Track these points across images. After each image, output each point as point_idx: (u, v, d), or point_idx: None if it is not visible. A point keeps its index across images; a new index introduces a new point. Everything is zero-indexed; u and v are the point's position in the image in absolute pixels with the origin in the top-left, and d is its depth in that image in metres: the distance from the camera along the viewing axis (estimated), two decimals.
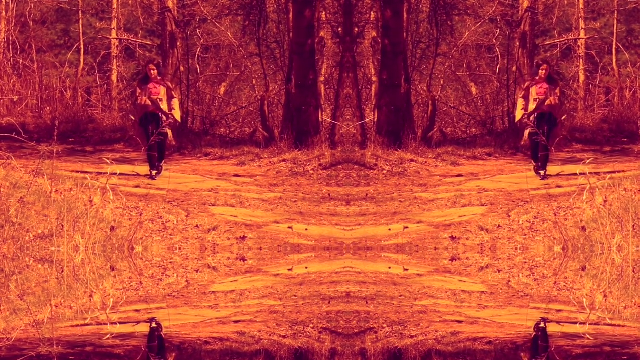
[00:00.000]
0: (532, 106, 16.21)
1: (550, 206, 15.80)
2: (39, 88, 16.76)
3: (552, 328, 13.62)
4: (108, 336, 13.36)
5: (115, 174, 15.82)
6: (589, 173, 15.78)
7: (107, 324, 13.72)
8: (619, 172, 15.84)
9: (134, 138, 16.36)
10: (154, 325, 13.83)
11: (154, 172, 16.21)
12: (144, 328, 13.73)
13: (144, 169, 16.30)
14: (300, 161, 16.50)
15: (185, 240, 15.67)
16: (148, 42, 17.06)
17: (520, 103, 16.34)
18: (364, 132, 16.68)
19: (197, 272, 15.34)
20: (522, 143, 16.57)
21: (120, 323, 13.79)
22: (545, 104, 16.16)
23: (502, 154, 16.72)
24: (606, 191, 15.59)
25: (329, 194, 16.13)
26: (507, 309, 14.37)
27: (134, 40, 17.01)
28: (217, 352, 13.08)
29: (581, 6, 16.95)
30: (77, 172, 15.76)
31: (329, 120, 16.69)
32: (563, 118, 16.45)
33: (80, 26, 17.04)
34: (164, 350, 13.03)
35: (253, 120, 17.03)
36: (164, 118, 16.10)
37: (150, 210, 15.81)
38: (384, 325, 13.93)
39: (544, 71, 16.21)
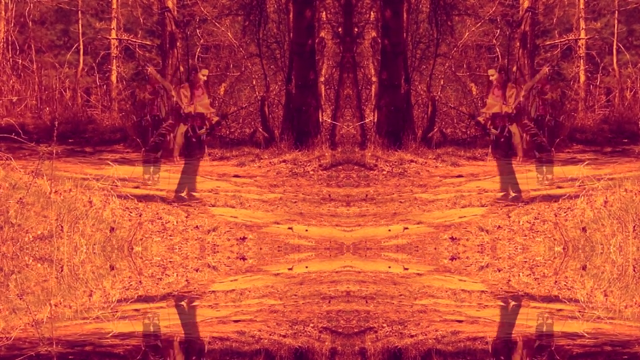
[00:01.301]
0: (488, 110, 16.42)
1: (550, 207, 15.78)
2: (38, 88, 16.72)
3: (552, 327, 13.61)
4: (110, 334, 13.35)
5: (123, 179, 15.82)
6: (586, 176, 15.77)
7: (107, 322, 13.71)
8: (619, 174, 15.83)
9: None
10: (153, 324, 13.81)
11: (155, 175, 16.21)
12: (144, 327, 13.72)
13: (140, 170, 16.26)
14: (301, 162, 16.48)
15: (185, 241, 15.65)
16: (148, 42, 17.04)
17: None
18: (364, 133, 16.66)
19: (197, 271, 15.32)
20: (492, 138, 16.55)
21: (120, 320, 13.77)
22: (494, 111, 16.35)
23: (502, 155, 16.69)
24: (606, 192, 15.57)
25: (329, 195, 16.11)
26: (507, 308, 14.36)
27: (134, 40, 16.98)
28: (217, 351, 13.06)
29: (581, 6, 16.93)
30: (78, 175, 15.74)
31: (329, 120, 16.67)
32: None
33: (80, 26, 17.01)
34: (163, 350, 13.01)
35: (253, 121, 16.99)
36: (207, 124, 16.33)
37: (149, 210, 15.79)
38: (384, 325, 13.92)
39: (493, 77, 16.39)
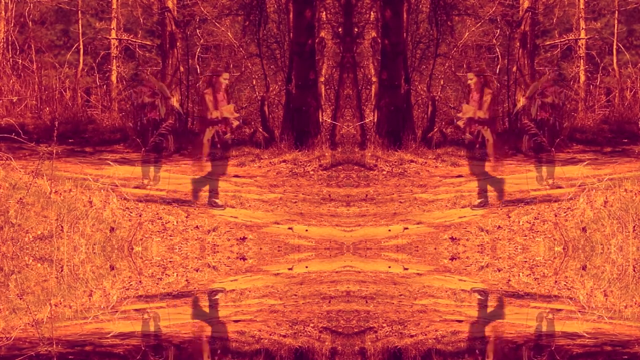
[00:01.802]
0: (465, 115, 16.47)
1: (550, 207, 15.78)
2: (38, 88, 16.72)
3: (552, 327, 13.62)
4: (111, 334, 13.35)
5: (124, 179, 15.82)
6: (586, 176, 15.77)
7: (107, 322, 13.71)
8: (619, 174, 15.83)
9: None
10: (153, 324, 13.82)
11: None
12: (144, 327, 13.72)
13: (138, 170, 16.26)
14: (301, 162, 16.48)
15: (185, 241, 15.64)
16: (148, 42, 17.04)
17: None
18: (364, 133, 16.66)
19: (197, 271, 15.32)
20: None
21: (120, 320, 13.78)
22: (469, 115, 16.39)
23: (502, 155, 16.70)
24: (606, 192, 15.57)
25: (329, 195, 16.11)
26: (507, 308, 14.36)
27: (134, 40, 16.98)
28: (217, 351, 13.06)
29: (581, 6, 16.93)
30: (78, 175, 15.73)
31: (329, 120, 16.67)
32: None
33: (80, 26, 17.01)
34: (163, 350, 13.02)
35: (253, 121, 16.99)
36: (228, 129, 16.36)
37: (149, 211, 15.79)
38: (384, 325, 13.93)
39: (471, 81, 16.42)
